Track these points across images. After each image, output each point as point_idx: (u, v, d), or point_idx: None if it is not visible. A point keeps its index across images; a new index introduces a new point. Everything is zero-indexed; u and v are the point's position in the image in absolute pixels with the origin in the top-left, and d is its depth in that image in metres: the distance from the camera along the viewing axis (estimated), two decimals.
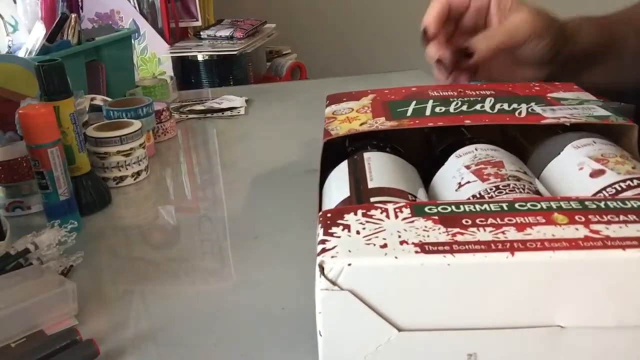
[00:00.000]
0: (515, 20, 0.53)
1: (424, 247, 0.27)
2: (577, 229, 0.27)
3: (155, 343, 0.40)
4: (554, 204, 0.30)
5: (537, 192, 0.35)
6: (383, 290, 0.27)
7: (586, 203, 0.30)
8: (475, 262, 0.26)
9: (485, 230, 0.28)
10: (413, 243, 0.27)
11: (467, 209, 0.30)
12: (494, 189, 0.34)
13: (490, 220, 0.28)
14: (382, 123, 0.43)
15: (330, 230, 0.29)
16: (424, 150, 0.47)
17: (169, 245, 0.56)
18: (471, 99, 0.46)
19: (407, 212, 0.30)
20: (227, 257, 0.53)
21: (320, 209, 0.35)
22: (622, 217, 0.28)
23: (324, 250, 0.27)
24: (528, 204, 0.30)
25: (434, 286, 0.26)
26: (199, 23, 1.43)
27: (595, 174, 0.36)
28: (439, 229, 0.28)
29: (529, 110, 0.43)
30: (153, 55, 1.34)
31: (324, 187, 0.39)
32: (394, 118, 0.44)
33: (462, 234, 0.27)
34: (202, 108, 0.98)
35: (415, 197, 0.35)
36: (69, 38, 0.83)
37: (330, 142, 0.42)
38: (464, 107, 0.45)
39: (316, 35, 2.07)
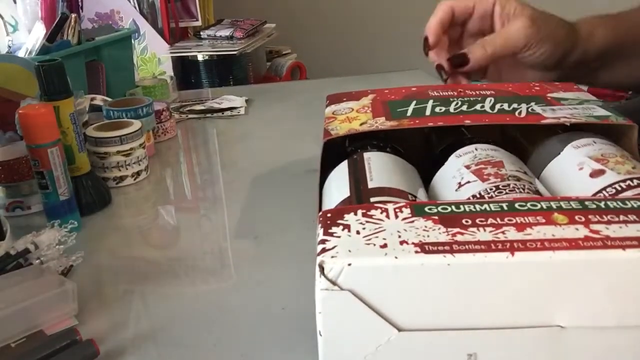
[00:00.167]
0: (513, 28, 0.53)
1: (424, 247, 0.27)
2: (577, 229, 0.27)
3: (155, 343, 0.40)
4: (554, 204, 0.30)
5: (537, 192, 0.35)
6: (383, 290, 0.27)
7: (586, 203, 0.30)
8: (475, 262, 0.26)
9: (485, 230, 0.28)
10: (413, 243, 0.27)
11: (467, 209, 0.30)
12: (494, 189, 0.34)
13: (490, 220, 0.28)
14: (382, 123, 0.43)
15: (330, 230, 0.29)
16: (424, 150, 0.47)
17: (169, 245, 0.56)
18: (471, 99, 0.46)
19: (407, 212, 0.30)
20: (227, 257, 0.53)
21: (320, 209, 0.35)
22: (622, 217, 0.28)
23: (324, 250, 0.27)
24: (528, 204, 0.30)
25: (434, 286, 0.26)
26: (199, 23, 1.44)
27: (595, 174, 0.36)
28: (439, 229, 0.28)
29: (529, 110, 0.43)
30: (153, 55, 1.34)
31: (324, 187, 0.39)
32: (394, 118, 0.44)
33: (462, 234, 0.27)
34: (202, 108, 0.98)
35: (415, 197, 0.35)
36: (69, 38, 0.83)
37: (330, 142, 0.42)
38: (464, 107, 0.45)
39: (316, 35, 2.07)
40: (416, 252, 0.26)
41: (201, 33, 1.43)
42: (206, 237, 0.56)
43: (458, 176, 0.37)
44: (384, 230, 0.28)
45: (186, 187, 0.71)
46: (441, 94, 0.49)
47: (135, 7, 1.31)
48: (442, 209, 0.30)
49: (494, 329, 0.27)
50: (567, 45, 0.54)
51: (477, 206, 0.30)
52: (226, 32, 1.40)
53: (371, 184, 0.36)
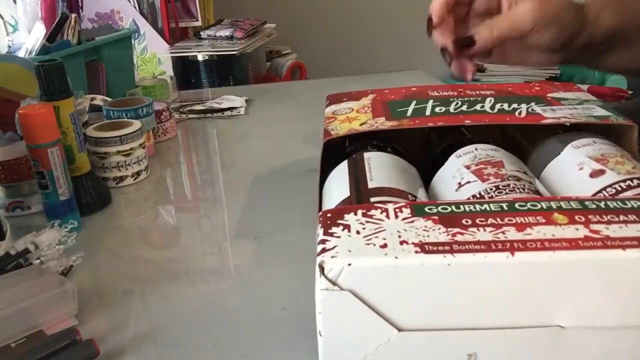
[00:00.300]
0: (520, 11, 0.52)
1: (424, 247, 0.27)
2: (577, 229, 0.27)
3: (155, 343, 0.40)
4: (554, 204, 0.30)
5: (537, 192, 0.35)
6: (383, 290, 0.27)
7: (586, 203, 0.30)
8: (475, 262, 0.26)
9: (485, 230, 0.28)
10: (413, 243, 0.27)
11: (467, 209, 0.30)
12: (494, 189, 0.34)
13: (490, 220, 0.28)
14: (382, 123, 0.43)
15: (330, 230, 0.29)
16: (424, 150, 0.47)
17: (169, 245, 0.56)
18: (471, 99, 0.46)
19: (407, 212, 0.30)
20: (227, 257, 0.53)
21: (320, 209, 0.35)
22: (622, 217, 0.28)
23: (324, 250, 0.27)
24: (528, 204, 0.30)
25: (434, 286, 0.26)
26: (199, 23, 1.43)
27: (595, 174, 0.36)
28: (439, 229, 0.28)
29: (529, 110, 0.43)
30: (153, 55, 1.34)
31: (324, 187, 0.39)
32: (394, 118, 0.44)
33: (462, 234, 0.27)
34: (202, 108, 0.98)
35: (415, 197, 0.35)
36: (69, 38, 0.83)
37: (330, 142, 0.42)
38: (464, 107, 0.45)
39: (316, 35, 2.07)
40: (416, 252, 0.26)
41: (201, 33, 1.43)
42: (206, 237, 0.56)
43: (458, 176, 0.37)
44: (384, 230, 0.28)
45: (186, 187, 0.71)
46: (441, 94, 0.49)
47: (135, 7, 1.31)
48: (442, 209, 0.30)
49: (494, 329, 0.27)
50: (575, 28, 0.53)
51: (477, 206, 0.30)
52: (226, 32, 1.40)
53: (371, 184, 0.36)
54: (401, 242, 0.27)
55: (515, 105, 0.44)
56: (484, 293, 0.27)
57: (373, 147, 0.42)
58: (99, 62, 0.92)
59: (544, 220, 0.28)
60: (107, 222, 0.60)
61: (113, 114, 0.75)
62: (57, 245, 0.48)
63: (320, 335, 0.28)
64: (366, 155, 0.40)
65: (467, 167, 0.38)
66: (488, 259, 0.26)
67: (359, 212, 0.30)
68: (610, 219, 0.28)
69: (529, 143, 0.44)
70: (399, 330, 0.27)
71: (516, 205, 0.30)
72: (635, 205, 0.29)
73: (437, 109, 0.45)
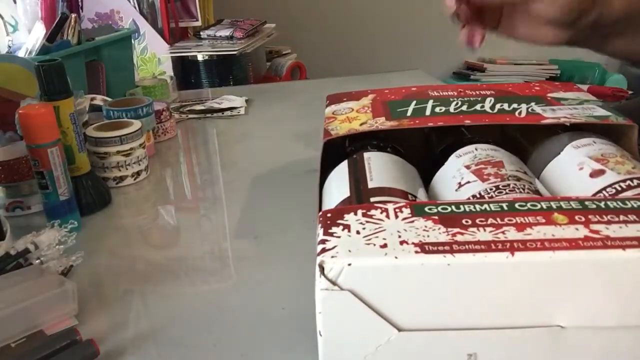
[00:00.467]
0: None
1: (424, 247, 0.27)
2: (577, 229, 0.27)
3: (155, 343, 0.40)
4: (554, 204, 0.30)
5: (537, 192, 0.35)
6: (383, 290, 0.27)
7: (586, 203, 0.30)
8: (475, 262, 0.26)
9: (485, 230, 0.28)
10: (413, 243, 0.27)
11: (467, 209, 0.30)
12: (494, 189, 0.34)
13: (490, 220, 0.28)
14: (382, 123, 0.43)
15: (330, 230, 0.29)
16: (424, 150, 0.47)
17: (169, 245, 0.56)
18: (471, 99, 0.46)
19: (407, 212, 0.30)
20: (227, 257, 0.53)
21: (320, 209, 0.35)
22: (622, 217, 0.28)
23: (324, 250, 0.27)
24: (528, 204, 0.30)
25: (434, 286, 0.26)
26: (198, 23, 1.43)
27: (595, 174, 0.36)
28: (439, 229, 0.28)
29: (529, 110, 0.43)
30: (153, 55, 1.34)
31: (324, 187, 0.39)
32: (394, 118, 0.44)
33: (462, 234, 0.27)
34: (202, 108, 0.98)
35: (415, 197, 0.35)
36: (69, 38, 0.83)
37: (330, 142, 0.42)
38: (464, 107, 0.45)
39: (316, 35, 2.07)
40: (416, 252, 0.26)
41: (201, 33, 1.43)
42: (206, 237, 0.56)
43: (458, 176, 0.37)
44: (384, 230, 0.28)
45: (186, 187, 0.71)
46: (441, 94, 0.49)
47: (135, 7, 1.31)
48: (442, 209, 0.30)
49: (494, 329, 0.27)
50: (585, 3, 0.53)
51: (477, 206, 0.30)
52: (226, 32, 1.40)
53: (371, 184, 0.36)
54: (401, 242, 0.27)
55: (515, 105, 0.44)
56: (484, 293, 0.27)
57: (373, 147, 0.42)
58: (99, 62, 0.92)
59: (544, 220, 0.28)
60: (107, 222, 0.60)
61: (113, 114, 0.75)
62: (57, 245, 0.48)
63: (320, 335, 0.28)
64: (366, 155, 0.40)
65: (467, 167, 0.38)
66: (488, 259, 0.26)
67: (359, 212, 0.30)
68: (610, 219, 0.28)
69: (529, 143, 0.44)
70: (399, 330, 0.27)
71: (516, 205, 0.30)
72: (635, 205, 0.29)
73: (437, 109, 0.45)
